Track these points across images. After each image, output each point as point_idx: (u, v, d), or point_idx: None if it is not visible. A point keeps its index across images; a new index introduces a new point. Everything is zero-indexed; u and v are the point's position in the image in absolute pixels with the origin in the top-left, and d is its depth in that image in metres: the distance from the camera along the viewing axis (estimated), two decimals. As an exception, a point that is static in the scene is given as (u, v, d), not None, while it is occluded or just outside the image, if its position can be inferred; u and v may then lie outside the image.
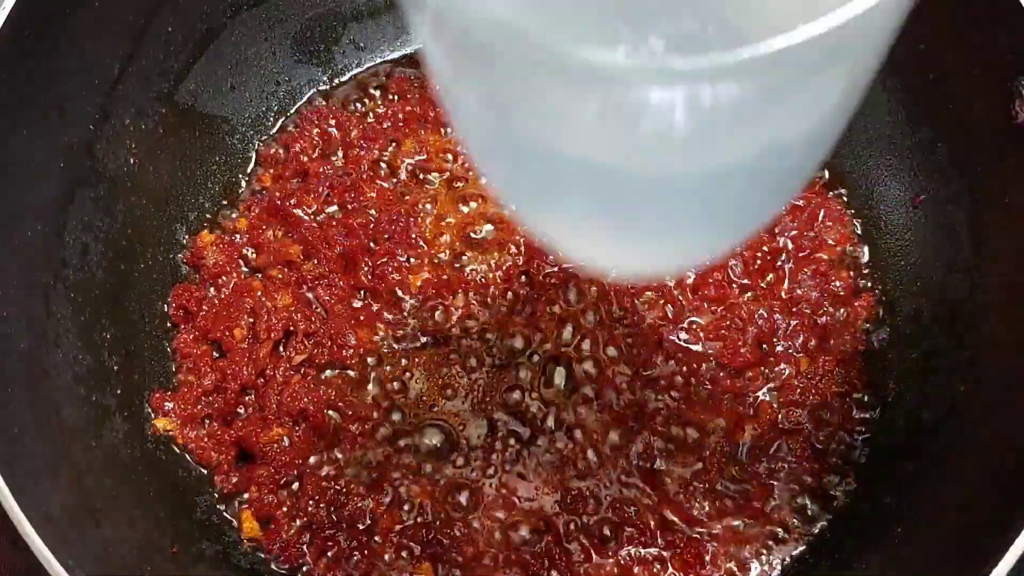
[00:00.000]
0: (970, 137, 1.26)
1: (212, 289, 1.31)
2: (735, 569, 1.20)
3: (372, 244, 1.33)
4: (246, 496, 1.22)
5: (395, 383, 1.27)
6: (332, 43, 1.46)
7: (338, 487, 1.21)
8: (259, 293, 1.30)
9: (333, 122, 1.41)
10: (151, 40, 1.29)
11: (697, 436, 1.25)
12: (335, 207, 1.35)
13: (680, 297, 1.31)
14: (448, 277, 1.32)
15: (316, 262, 1.31)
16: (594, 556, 1.19)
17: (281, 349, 1.28)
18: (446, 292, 1.31)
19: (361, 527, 1.20)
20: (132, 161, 1.29)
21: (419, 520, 1.20)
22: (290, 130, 1.42)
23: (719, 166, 0.61)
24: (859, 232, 1.37)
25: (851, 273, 1.34)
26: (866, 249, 1.36)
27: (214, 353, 1.28)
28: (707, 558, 1.19)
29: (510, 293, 1.32)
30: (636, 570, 1.19)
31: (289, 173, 1.38)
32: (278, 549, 1.20)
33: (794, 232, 1.35)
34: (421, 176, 1.38)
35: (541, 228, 0.79)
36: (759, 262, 1.33)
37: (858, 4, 0.47)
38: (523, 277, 1.32)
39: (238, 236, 1.35)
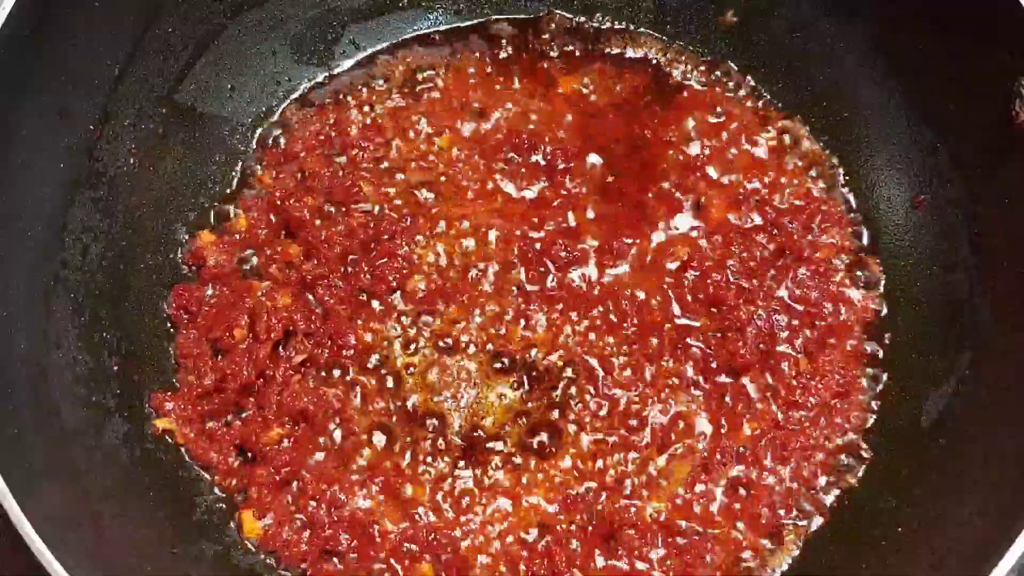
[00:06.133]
0: (970, 137, 1.26)
1: (212, 289, 1.31)
2: (735, 569, 1.20)
3: (372, 244, 1.33)
4: (246, 496, 1.22)
5: (394, 384, 1.27)
6: (332, 43, 1.46)
7: (338, 487, 1.21)
8: (259, 293, 1.30)
9: (333, 122, 1.41)
10: (151, 41, 1.29)
11: (697, 436, 1.25)
12: (335, 207, 1.35)
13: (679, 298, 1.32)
14: (448, 278, 1.32)
15: (316, 262, 1.31)
16: (594, 556, 1.19)
17: (281, 349, 1.28)
18: (446, 293, 1.31)
19: (361, 527, 1.20)
20: (132, 162, 1.29)
21: (419, 520, 1.20)
22: (290, 130, 1.42)
23: None
24: (859, 232, 1.37)
25: (851, 273, 1.34)
26: (866, 249, 1.36)
27: (214, 353, 1.28)
28: (707, 558, 1.19)
29: (510, 296, 1.32)
30: (636, 571, 1.19)
31: (289, 173, 1.38)
32: (278, 549, 1.20)
33: (794, 233, 1.35)
34: (421, 176, 1.38)
35: None
36: (759, 262, 1.33)
37: None
38: (522, 279, 1.32)
39: (238, 236, 1.35)
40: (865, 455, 1.26)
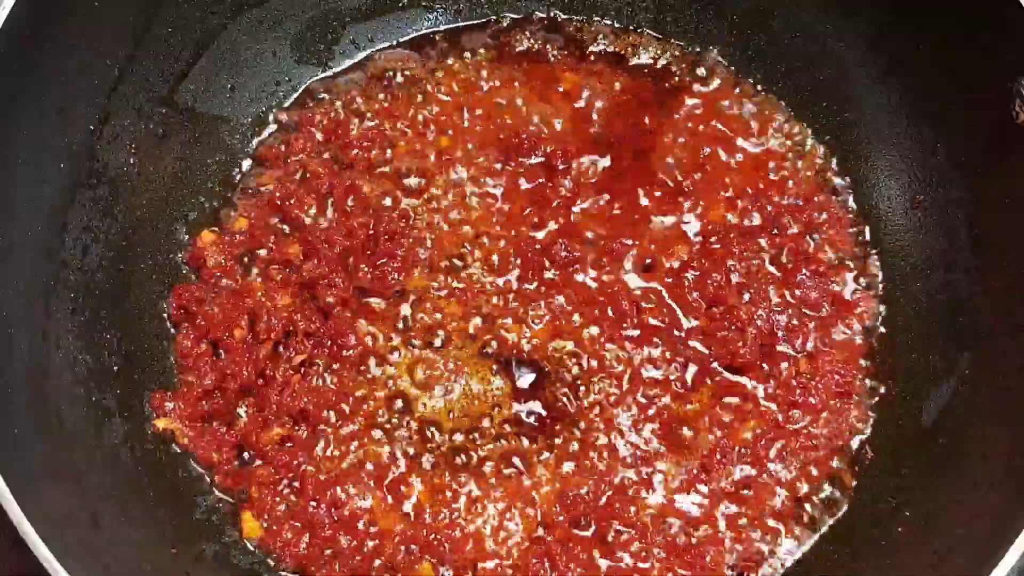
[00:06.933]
0: (970, 137, 1.26)
1: (212, 289, 1.31)
2: (735, 569, 1.20)
3: (372, 244, 1.33)
4: (246, 496, 1.22)
5: (395, 384, 1.27)
6: (332, 43, 1.46)
7: (338, 487, 1.21)
8: (259, 293, 1.30)
9: (333, 122, 1.41)
10: (151, 41, 1.29)
11: (698, 437, 1.25)
12: (335, 207, 1.35)
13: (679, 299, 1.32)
14: (447, 277, 1.32)
15: (316, 262, 1.31)
16: (594, 556, 1.19)
17: (281, 349, 1.28)
18: (444, 293, 1.31)
19: (361, 527, 1.20)
20: (132, 162, 1.29)
21: (419, 520, 1.20)
22: (290, 130, 1.42)
23: None
24: (859, 233, 1.37)
25: (851, 273, 1.34)
26: (866, 249, 1.36)
27: (214, 353, 1.28)
28: (707, 558, 1.19)
29: (510, 296, 1.32)
30: (636, 571, 1.19)
31: (289, 173, 1.38)
32: (278, 549, 1.20)
33: (794, 233, 1.35)
34: (420, 177, 1.38)
35: None
36: (759, 263, 1.33)
37: None
38: (520, 280, 1.32)
39: (238, 236, 1.35)
40: (865, 455, 1.26)
